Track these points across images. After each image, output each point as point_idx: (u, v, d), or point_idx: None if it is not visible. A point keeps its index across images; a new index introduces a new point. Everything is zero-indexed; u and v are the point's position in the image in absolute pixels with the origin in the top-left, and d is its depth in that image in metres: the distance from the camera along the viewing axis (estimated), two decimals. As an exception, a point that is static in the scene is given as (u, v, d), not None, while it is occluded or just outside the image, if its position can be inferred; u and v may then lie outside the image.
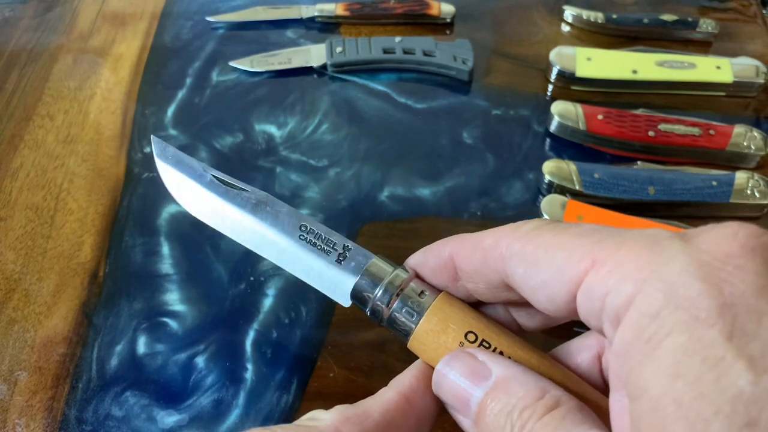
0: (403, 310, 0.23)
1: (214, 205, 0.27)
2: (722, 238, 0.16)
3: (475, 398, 0.20)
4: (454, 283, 0.23)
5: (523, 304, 0.22)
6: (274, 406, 0.35)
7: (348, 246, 0.25)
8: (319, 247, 0.25)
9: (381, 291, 0.24)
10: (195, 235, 0.42)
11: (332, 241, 0.25)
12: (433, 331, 0.22)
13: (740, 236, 0.16)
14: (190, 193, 0.28)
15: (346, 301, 0.25)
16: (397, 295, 0.23)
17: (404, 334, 0.23)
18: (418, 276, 0.24)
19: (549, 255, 0.19)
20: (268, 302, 0.39)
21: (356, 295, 0.24)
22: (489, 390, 0.20)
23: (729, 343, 0.14)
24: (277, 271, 0.40)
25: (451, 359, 0.22)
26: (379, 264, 0.25)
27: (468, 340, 0.22)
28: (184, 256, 0.41)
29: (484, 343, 0.22)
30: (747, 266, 0.16)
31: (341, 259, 0.25)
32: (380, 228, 0.43)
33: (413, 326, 0.23)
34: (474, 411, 0.20)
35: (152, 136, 0.31)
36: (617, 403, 0.19)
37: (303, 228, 0.26)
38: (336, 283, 0.25)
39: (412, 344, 0.23)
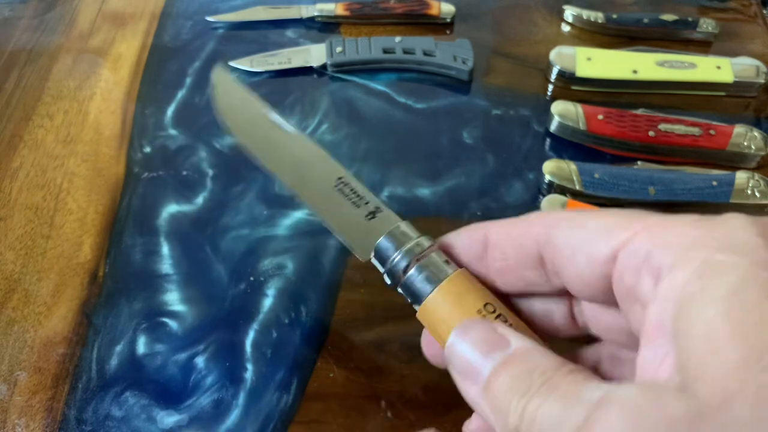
0: (421, 275, 0.23)
1: (262, 137, 0.28)
2: None
3: (490, 364, 0.20)
4: (477, 261, 0.24)
5: (539, 295, 0.22)
6: (274, 406, 0.35)
7: (380, 208, 0.26)
8: (351, 200, 0.26)
9: (402, 253, 0.24)
10: (195, 235, 0.42)
11: (366, 199, 0.26)
12: (453, 293, 0.22)
13: None
14: (243, 121, 0.29)
15: (365, 255, 0.25)
16: (417, 260, 0.23)
17: (418, 300, 0.23)
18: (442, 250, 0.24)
19: (597, 218, 0.20)
20: (268, 302, 0.39)
21: (378, 253, 0.25)
22: (508, 357, 0.20)
23: None
24: (277, 271, 0.40)
25: (469, 324, 0.21)
26: (405, 228, 0.25)
27: (486, 311, 0.22)
28: (184, 256, 0.41)
29: (501, 318, 0.22)
30: None
31: (370, 217, 0.25)
32: (380, 228, 0.43)
33: (430, 290, 0.23)
34: (486, 376, 0.20)
35: (216, 66, 0.32)
36: (651, 353, 0.18)
37: (340, 179, 0.27)
38: (361, 237, 0.25)
39: (424, 310, 0.23)
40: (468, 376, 0.21)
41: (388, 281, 0.25)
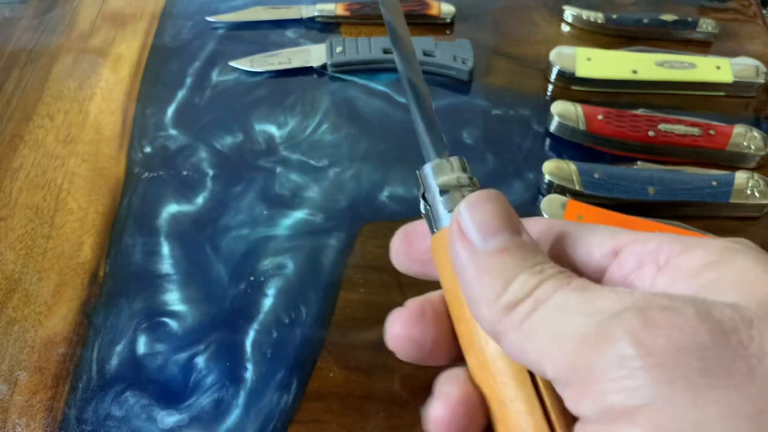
0: (445, 206, 0.23)
1: None
2: None
3: (508, 236, 0.19)
4: None
5: None
6: (274, 406, 0.35)
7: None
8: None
9: (438, 181, 0.24)
10: (195, 235, 0.42)
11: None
12: None
13: None
14: None
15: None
16: (448, 192, 0.24)
17: (433, 228, 0.23)
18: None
19: (604, 226, 0.21)
20: (268, 302, 0.39)
21: (420, 175, 0.25)
22: (523, 241, 0.20)
23: None
24: (277, 271, 0.40)
25: (499, 193, 0.21)
26: (454, 161, 0.25)
27: None
28: (184, 256, 0.41)
29: None
30: None
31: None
32: (380, 228, 0.43)
33: (446, 222, 0.23)
34: (501, 241, 0.19)
35: None
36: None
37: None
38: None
39: (436, 240, 0.23)
40: (479, 234, 0.20)
41: (420, 205, 0.25)
